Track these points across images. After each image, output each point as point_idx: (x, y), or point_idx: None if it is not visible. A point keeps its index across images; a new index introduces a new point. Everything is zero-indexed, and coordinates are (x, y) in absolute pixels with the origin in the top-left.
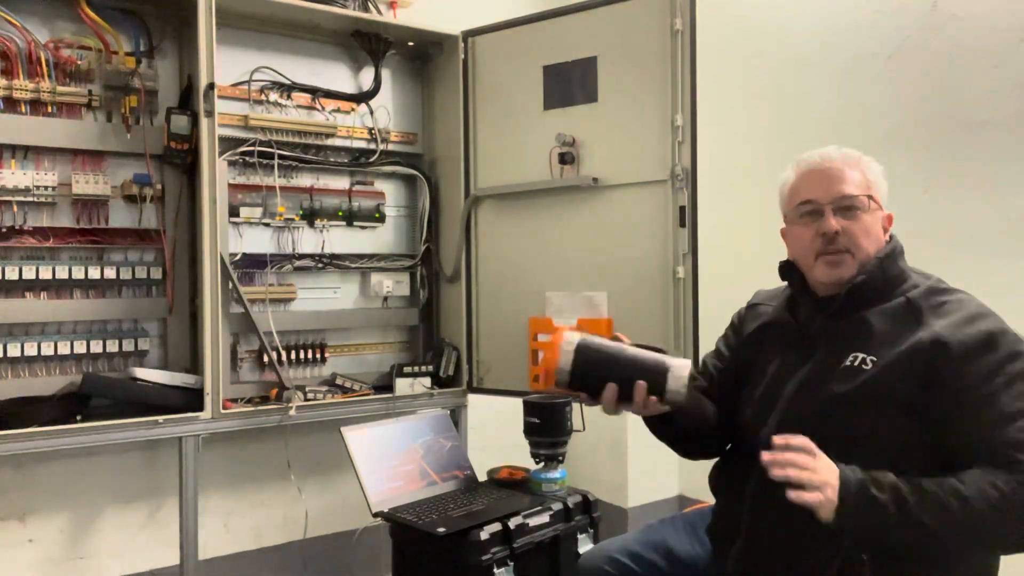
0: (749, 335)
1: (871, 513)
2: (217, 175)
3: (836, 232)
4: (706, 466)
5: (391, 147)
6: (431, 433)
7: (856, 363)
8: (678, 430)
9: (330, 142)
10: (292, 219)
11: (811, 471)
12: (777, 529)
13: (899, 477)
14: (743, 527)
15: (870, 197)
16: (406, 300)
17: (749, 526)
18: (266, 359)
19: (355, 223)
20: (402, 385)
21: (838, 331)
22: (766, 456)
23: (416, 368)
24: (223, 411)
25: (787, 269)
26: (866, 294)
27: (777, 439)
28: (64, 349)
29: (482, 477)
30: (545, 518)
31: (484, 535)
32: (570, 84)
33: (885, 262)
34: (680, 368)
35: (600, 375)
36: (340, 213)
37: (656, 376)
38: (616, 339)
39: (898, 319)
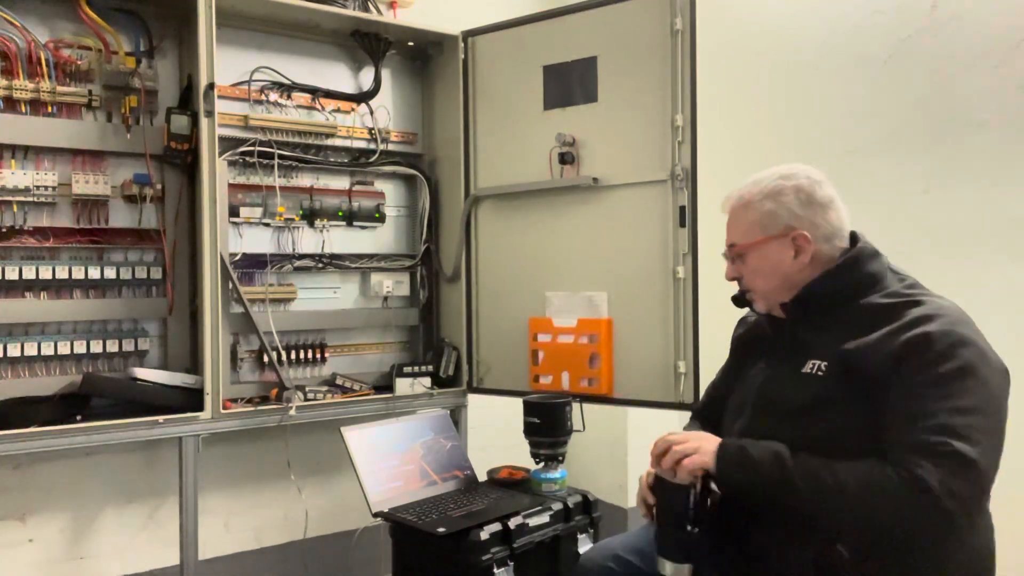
0: (735, 346)
1: (748, 471)
2: (217, 175)
3: (734, 278)
4: None
5: (391, 147)
6: (431, 433)
7: (813, 370)
8: None
9: (330, 142)
10: (292, 219)
11: (680, 444)
12: (764, 526)
13: (790, 450)
14: (733, 528)
15: (751, 243)
16: (406, 300)
17: (739, 527)
18: (266, 359)
19: (355, 223)
20: (402, 385)
21: (798, 337)
22: (652, 468)
23: (416, 368)
24: (223, 411)
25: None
26: (815, 305)
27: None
28: (64, 349)
29: (482, 477)
30: (545, 518)
31: (484, 535)
32: (570, 84)
33: (836, 272)
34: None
35: None
36: (340, 213)
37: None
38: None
39: (853, 326)
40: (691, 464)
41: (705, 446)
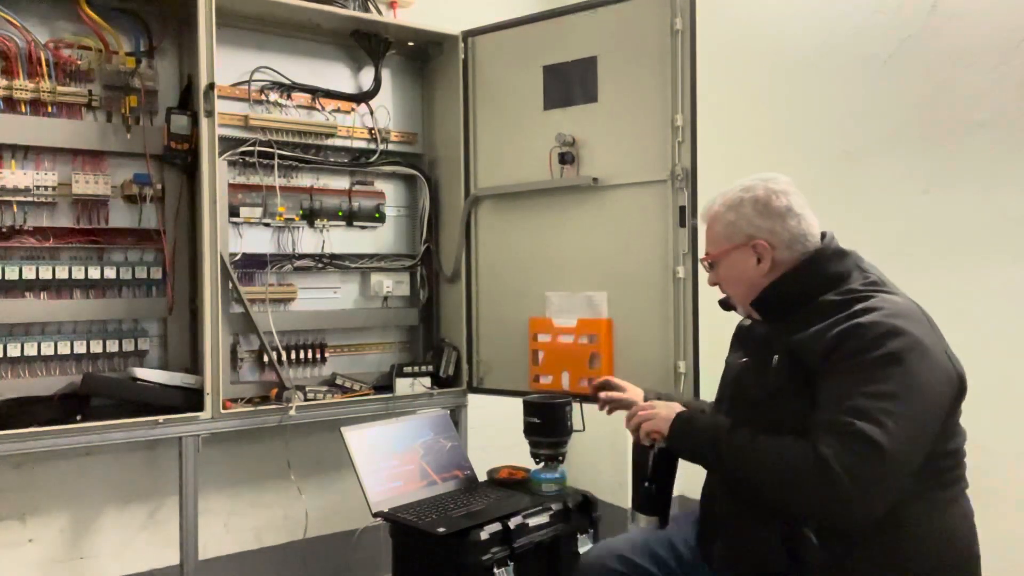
0: (732, 340)
1: (689, 439)
2: (217, 175)
3: (715, 284)
4: None
5: (391, 147)
6: (431, 433)
7: (774, 364)
8: None
9: (330, 142)
10: (292, 219)
11: (644, 411)
12: (739, 511)
13: (735, 424)
14: (720, 525)
15: (719, 252)
16: (406, 300)
17: (725, 524)
18: (266, 359)
19: (355, 223)
20: (402, 385)
21: (766, 334)
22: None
23: (416, 368)
24: (223, 411)
25: None
26: (776, 305)
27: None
28: (64, 349)
29: (482, 477)
30: (545, 518)
31: (484, 535)
32: (570, 84)
33: (793, 274)
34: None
35: None
36: (340, 213)
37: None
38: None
39: (805, 322)
40: (647, 428)
41: (664, 413)
